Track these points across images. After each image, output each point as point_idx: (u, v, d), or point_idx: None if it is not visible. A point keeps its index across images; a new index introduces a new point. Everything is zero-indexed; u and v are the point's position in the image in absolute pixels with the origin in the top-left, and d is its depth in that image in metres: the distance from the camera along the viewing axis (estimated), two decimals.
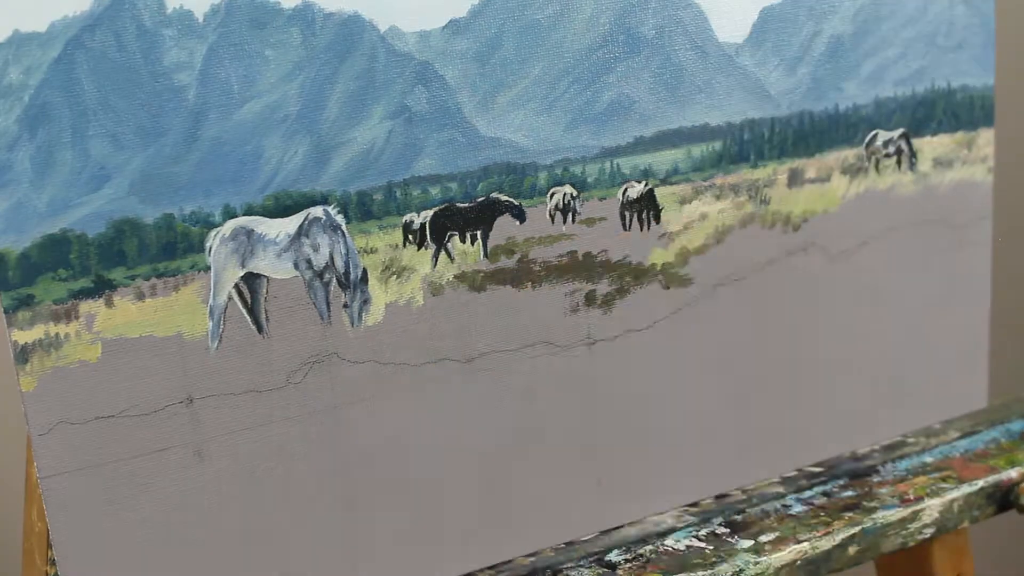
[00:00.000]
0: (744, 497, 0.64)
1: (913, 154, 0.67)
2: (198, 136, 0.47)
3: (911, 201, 0.68)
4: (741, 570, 0.57)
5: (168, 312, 0.48)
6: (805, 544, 0.59)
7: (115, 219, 0.46)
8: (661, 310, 0.60)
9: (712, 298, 0.61)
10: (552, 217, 0.56)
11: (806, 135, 0.62)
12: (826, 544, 0.59)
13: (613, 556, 0.58)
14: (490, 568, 0.58)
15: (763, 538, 0.59)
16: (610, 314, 0.58)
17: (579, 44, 0.55)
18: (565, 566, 0.58)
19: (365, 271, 0.51)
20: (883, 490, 0.64)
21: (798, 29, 0.61)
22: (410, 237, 0.52)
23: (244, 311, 0.49)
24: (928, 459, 0.68)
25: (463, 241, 0.54)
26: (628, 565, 0.57)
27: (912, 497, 0.63)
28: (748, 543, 0.59)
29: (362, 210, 0.51)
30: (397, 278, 0.52)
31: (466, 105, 0.52)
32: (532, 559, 0.59)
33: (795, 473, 0.67)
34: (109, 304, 0.46)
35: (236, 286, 0.49)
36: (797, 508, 0.62)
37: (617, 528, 0.61)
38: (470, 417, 0.56)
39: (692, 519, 0.62)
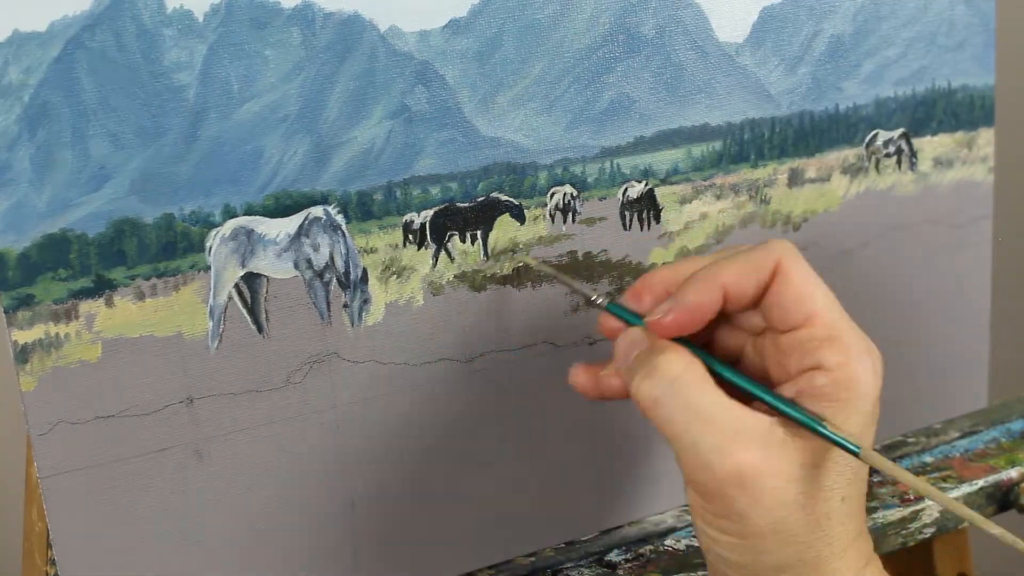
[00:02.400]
0: None
1: (913, 154, 0.67)
2: (198, 136, 0.47)
3: (911, 201, 0.68)
4: None
5: (168, 312, 0.48)
6: None
7: (115, 219, 0.46)
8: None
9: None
10: (552, 217, 0.56)
11: (806, 135, 0.62)
12: None
13: (613, 556, 0.58)
14: (490, 568, 0.58)
15: None
16: None
17: (579, 44, 0.55)
18: (565, 566, 0.58)
19: (365, 271, 0.51)
20: (883, 490, 0.64)
21: (798, 29, 0.61)
22: (410, 237, 0.52)
23: (244, 311, 0.49)
24: (928, 459, 0.68)
25: (463, 241, 0.54)
26: (628, 565, 0.57)
27: (912, 497, 0.63)
28: None
29: (362, 210, 0.51)
30: (397, 278, 0.52)
31: (466, 105, 0.52)
32: (532, 559, 0.59)
33: None
34: (109, 304, 0.46)
35: (236, 286, 0.49)
36: None
37: (617, 528, 0.61)
38: (470, 417, 0.56)
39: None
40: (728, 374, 0.43)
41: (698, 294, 0.43)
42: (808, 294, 0.42)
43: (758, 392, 0.42)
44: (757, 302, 0.44)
